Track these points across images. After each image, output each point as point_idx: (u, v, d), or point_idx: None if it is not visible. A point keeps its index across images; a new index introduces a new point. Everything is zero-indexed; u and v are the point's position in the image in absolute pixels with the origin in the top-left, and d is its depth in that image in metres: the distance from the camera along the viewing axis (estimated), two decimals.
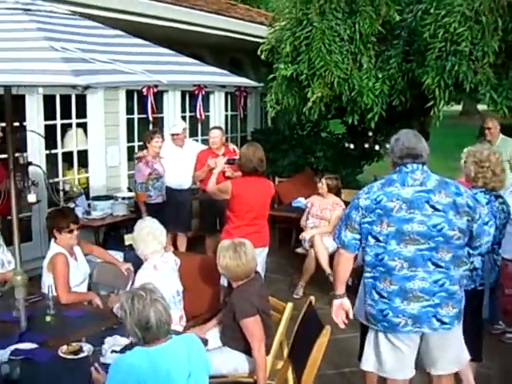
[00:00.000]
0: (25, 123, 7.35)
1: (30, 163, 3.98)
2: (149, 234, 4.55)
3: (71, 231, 4.95)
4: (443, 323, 3.65)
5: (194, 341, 3.27)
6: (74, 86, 2.58)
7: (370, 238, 3.67)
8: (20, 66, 2.69)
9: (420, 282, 3.60)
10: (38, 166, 4.30)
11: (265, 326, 4.13)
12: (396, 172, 3.72)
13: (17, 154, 3.97)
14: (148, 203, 7.48)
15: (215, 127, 8.46)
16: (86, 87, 2.54)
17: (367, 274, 3.76)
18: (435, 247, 3.59)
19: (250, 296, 4.12)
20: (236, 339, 4.19)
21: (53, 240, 5.03)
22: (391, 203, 3.59)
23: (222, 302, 4.55)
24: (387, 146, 10.31)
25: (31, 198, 3.98)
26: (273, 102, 7.85)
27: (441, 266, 3.61)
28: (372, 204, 3.63)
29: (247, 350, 4.14)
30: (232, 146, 8.28)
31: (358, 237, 3.71)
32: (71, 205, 7.75)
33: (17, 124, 4.10)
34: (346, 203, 7.81)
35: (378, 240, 3.65)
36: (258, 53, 7.95)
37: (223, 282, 4.92)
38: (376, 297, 3.70)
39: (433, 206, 3.57)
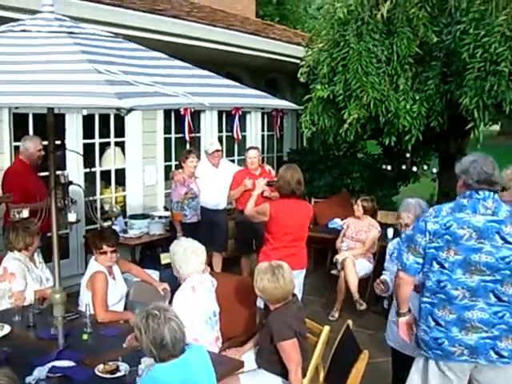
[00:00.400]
0: (64, 142, 7.47)
1: (70, 182, 4.02)
2: (192, 253, 4.56)
3: (104, 253, 4.98)
4: (501, 356, 3.51)
5: (204, 351, 3.41)
6: (118, 109, 2.59)
7: (434, 263, 3.55)
8: (65, 89, 2.73)
9: (479, 313, 3.49)
10: (79, 186, 4.34)
11: (302, 349, 4.09)
12: (466, 197, 3.57)
13: (58, 173, 4.01)
14: (183, 223, 7.49)
15: (252, 147, 8.49)
16: (130, 110, 2.55)
17: (425, 299, 3.63)
18: (501, 280, 3.46)
19: (287, 319, 4.09)
20: (272, 362, 4.16)
21: (93, 258, 5.08)
22: (461, 230, 3.46)
23: (259, 324, 4.52)
24: (425, 167, 10.32)
25: (71, 217, 4.02)
26: (308, 122, 7.83)
27: (503, 300, 3.48)
28: (441, 229, 3.50)
29: (283, 374, 4.10)
30: (268, 167, 8.29)
31: (420, 261, 3.58)
32: (109, 223, 7.83)
33: (58, 142, 4.13)
34: (382, 225, 7.79)
35: (442, 266, 3.53)
36: (298, 75, 7.94)
37: (259, 303, 4.90)
38: (432, 324, 3.58)
39: (503, 238, 3.45)
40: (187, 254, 4.55)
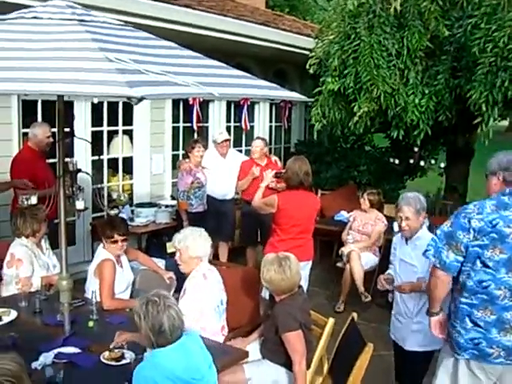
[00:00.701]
0: (73, 129, 7.48)
1: (79, 170, 4.03)
2: (201, 236, 4.60)
3: (115, 242, 5.00)
4: None
5: (198, 337, 3.46)
6: (128, 98, 2.60)
7: (477, 262, 3.43)
8: (76, 76, 2.73)
9: None
10: (87, 174, 4.35)
11: (306, 340, 4.10)
12: (506, 194, 3.48)
13: (66, 160, 4.02)
14: (189, 212, 7.50)
15: (258, 138, 8.50)
16: (141, 99, 2.55)
17: (463, 300, 3.53)
18: None
19: (293, 310, 4.10)
20: (277, 352, 4.18)
21: (101, 245, 5.10)
22: (508, 229, 3.37)
23: (263, 315, 4.54)
24: (432, 161, 10.28)
25: (79, 204, 4.03)
26: (319, 115, 7.81)
27: None
28: (486, 227, 3.38)
29: (287, 364, 4.12)
30: (274, 158, 8.29)
31: (461, 259, 3.46)
32: (116, 211, 7.86)
33: (67, 130, 4.13)
34: (388, 218, 7.78)
35: (486, 266, 3.42)
36: (307, 67, 7.92)
37: (264, 294, 4.92)
38: (469, 325, 3.50)
39: None
40: (197, 236, 4.58)
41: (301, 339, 4.05)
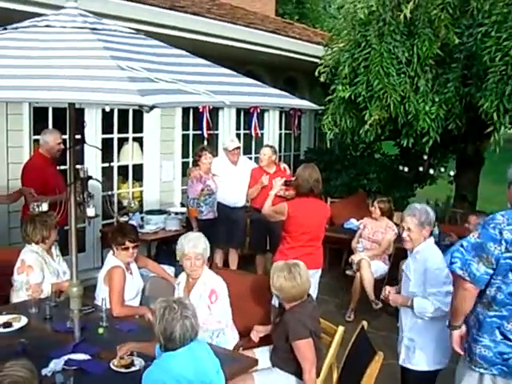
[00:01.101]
0: (84, 136, 7.50)
1: (90, 177, 4.04)
2: (200, 237, 4.73)
3: (126, 249, 5.00)
4: None
5: (206, 344, 3.51)
6: (140, 106, 2.61)
7: (509, 274, 3.31)
8: (88, 85, 2.75)
9: None
10: (97, 181, 4.37)
11: (316, 348, 4.10)
12: None
13: (77, 167, 4.04)
14: (199, 219, 7.51)
15: (267, 145, 8.51)
16: (152, 107, 2.56)
17: (492, 313, 3.41)
18: None
19: (303, 318, 4.09)
20: (287, 361, 4.17)
21: (111, 252, 5.11)
22: None
23: (273, 323, 4.53)
24: (441, 169, 10.26)
25: (90, 211, 4.04)
26: (330, 124, 7.81)
27: None
28: None
29: (297, 373, 4.11)
30: (283, 165, 8.28)
31: (491, 272, 3.33)
32: (126, 218, 7.88)
33: (78, 137, 4.16)
34: (398, 226, 7.75)
35: None
36: (316, 74, 7.93)
37: (274, 302, 4.91)
38: (498, 338, 3.39)
39: None
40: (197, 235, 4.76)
41: (311, 347, 4.05)
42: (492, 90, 6.56)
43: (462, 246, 3.42)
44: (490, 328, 3.42)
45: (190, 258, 4.65)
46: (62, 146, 6.65)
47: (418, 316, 4.22)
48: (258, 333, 4.60)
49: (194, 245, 4.68)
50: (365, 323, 4.34)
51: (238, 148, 8.21)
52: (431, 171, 10.41)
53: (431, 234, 4.51)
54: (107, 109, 7.89)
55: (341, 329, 4.31)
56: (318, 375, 4.13)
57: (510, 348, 3.37)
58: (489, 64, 6.50)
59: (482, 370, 3.46)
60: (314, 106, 4.22)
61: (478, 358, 3.46)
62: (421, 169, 10.28)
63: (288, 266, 4.21)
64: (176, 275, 5.58)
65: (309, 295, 4.31)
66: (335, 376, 4.38)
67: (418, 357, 4.25)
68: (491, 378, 3.45)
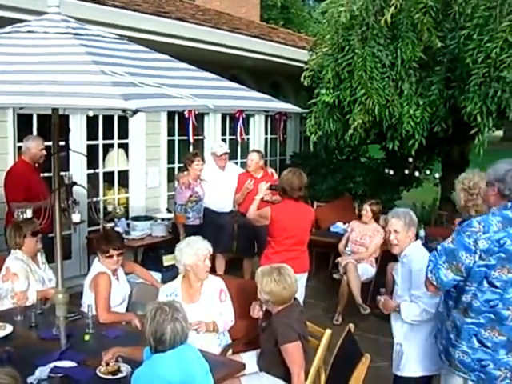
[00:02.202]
0: (68, 142, 7.48)
1: (74, 183, 4.03)
2: (200, 240, 4.73)
3: (111, 256, 4.98)
4: None
5: (194, 347, 3.48)
6: (124, 110, 2.60)
7: (484, 282, 3.29)
8: (71, 90, 2.74)
9: None
10: (82, 187, 4.35)
11: (304, 351, 4.10)
12: (508, 208, 3.33)
13: (62, 173, 4.02)
14: (186, 225, 7.50)
15: (254, 150, 8.50)
16: (136, 111, 2.56)
17: (468, 320, 3.40)
18: None
19: (291, 321, 4.10)
20: (274, 364, 4.17)
21: (97, 258, 5.09)
22: None
23: (260, 328, 4.52)
24: (427, 172, 10.31)
25: (75, 217, 4.03)
26: (314, 127, 7.83)
27: None
28: (493, 246, 3.23)
29: (285, 377, 4.11)
30: (270, 170, 8.29)
31: (458, 279, 3.34)
32: (112, 224, 7.86)
33: (62, 143, 4.14)
34: (384, 229, 7.78)
35: (493, 285, 3.28)
36: (302, 79, 7.95)
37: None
38: (476, 345, 3.38)
39: None
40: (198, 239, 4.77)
41: (300, 350, 4.05)
42: (475, 92, 6.61)
43: (436, 249, 3.45)
44: (468, 335, 3.42)
45: (206, 258, 4.67)
46: (45, 153, 6.62)
47: (406, 321, 4.16)
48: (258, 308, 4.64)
49: (204, 244, 4.71)
50: (352, 326, 4.34)
51: (227, 153, 8.21)
52: (417, 174, 10.44)
53: (417, 236, 4.51)
54: (90, 114, 7.85)
55: (328, 332, 4.31)
56: (306, 378, 4.13)
57: (488, 355, 3.37)
58: (471, 66, 6.55)
59: (461, 374, 3.48)
60: (298, 110, 4.24)
61: (458, 362, 3.48)
62: (406, 172, 10.31)
63: (276, 269, 4.21)
64: (163, 281, 5.56)
65: (295, 299, 4.31)
66: (323, 379, 4.38)
67: (405, 363, 4.20)
68: (471, 382, 3.46)
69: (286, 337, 4.04)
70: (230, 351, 4.64)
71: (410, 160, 9.86)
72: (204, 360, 3.38)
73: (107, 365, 3.75)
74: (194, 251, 4.63)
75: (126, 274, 5.28)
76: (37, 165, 6.77)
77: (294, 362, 4.03)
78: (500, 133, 26.77)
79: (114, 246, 4.97)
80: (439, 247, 3.43)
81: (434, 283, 3.40)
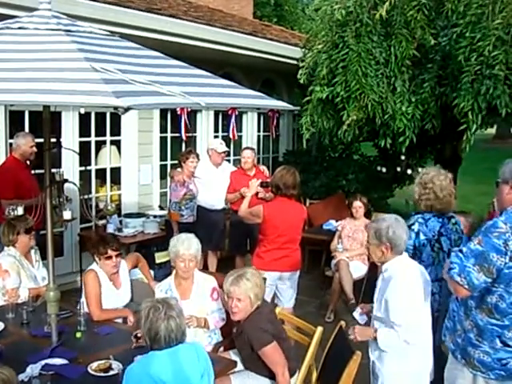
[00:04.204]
0: (60, 139, 7.46)
1: (66, 180, 4.01)
2: (192, 238, 4.74)
3: (109, 257, 4.89)
4: None
5: (199, 346, 3.47)
6: (115, 108, 2.60)
7: None
8: (62, 87, 2.73)
9: None
10: (74, 184, 4.34)
11: (283, 349, 4.08)
12: None
13: (53, 170, 4.01)
14: (180, 222, 7.50)
15: (247, 148, 8.48)
16: (127, 109, 2.55)
17: (493, 321, 3.37)
18: None
19: (262, 324, 4.06)
20: (259, 367, 4.14)
21: (94, 263, 5.02)
22: None
23: (233, 334, 4.43)
24: (419, 169, 10.33)
25: (67, 215, 4.01)
26: (308, 124, 7.83)
27: None
28: None
29: (272, 376, 4.10)
30: (262, 167, 8.29)
31: (489, 281, 3.28)
32: (104, 222, 7.84)
33: (53, 140, 4.12)
34: None
35: None
36: (298, 77, 7.94)
37: None
38: (498, 345, 3.37)
39: None
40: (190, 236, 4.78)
41: (278, 350, 4.03)
42: (467, 89, 6.61)
43: (461, 251, 3.35)
44: (491, 336, 3.39)
45: (185, 259, 4.64)
46: (35, 150, 6.61)
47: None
48: None
49: (188, 246, 4.68)
50: (343, 323, 4.35)
51: (226, 152, 8.24)
52: (409, 171, 10.45)
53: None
54: (82, 111, 7.84)
55: (319, 329, 4.32)
56: (291, 375, 4.12)
57: (509, 353, 3.37)
58: (463, 64, 6.55)
59: (479, 374, 3.46)
60: (290, 107, 4.23)
61: (477, 362, 3.46)
62: (399, 169, 10.32)
63: (244, 272, 4.23)
64: (155, 278, 5.54)
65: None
66: (314, 376, 4.38)
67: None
68: (485, 380, 3.45)
69: (260, 341, 4.01)
70: (222, 348, 4.64)
71: (403, 158, 9.87)
72: (205, 361, 3.35)
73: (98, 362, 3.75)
74: (174, 249, 4.69)
75: (130, 270, 5.23)
76: (28, 162, 6.76)
77: (275, 363, 4.01)
78: (493, 131, 26.85)
79: (111, 246, 4.89)
80: (464, 249, 3.34)
81: (466, 287, 3.28)
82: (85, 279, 4.89)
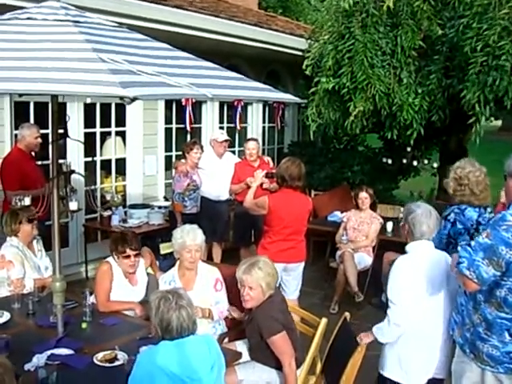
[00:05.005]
0: (66, 130, 7.46)
1: (73, 171, 4.02)
2: (197, 229, 4.78)
3: (128, 257, 4.86)
4: None
5: (211, 338, 3.45)
6: (121, 98, 2.60)
7: None
8: (69, 76, 2.72)
9: None
10: (80, 174, 4.35)
11: (291, 340, 4.10)
12: None
13: (60, 161, 4.02)
14: (183, 213, 7.50)
15: (252, 139, 8.47)
16: (134, 99, 2.55)
17: (502, 315, 3.36)
18: None
19: (273, 313, 4.08)
20: (266, 357, 4.16)
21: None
22: None
23: (244, 322, 4.48)
24: (425, 161, 10.32)
25: (73, 205, 4.01)
26: (314, 115, 7.82)
27: None
28: None
29: (278, 366, 4.11)
30: (267, 158, 8.28)
31: (498, 274, 3.25)
32: (109, 213, 7.85)
33: (61, 131, 4.12)
34: (382, 218, 7.80)
35: None
36: (303, 68, 7.92)
37: None
38: (507, 339, 3.36)
39: None
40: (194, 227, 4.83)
41: (286, 340, 4.05)
42: (473, 80, 6.59)
43: (469, 245, 3.33)
44: (500, 329, 3.38)
45: (191, 250, 4.67)
46: (40, 141, 6.62)
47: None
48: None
49: (193, 237, 4.71)
50: (347, 315, 4.35)
51: (227, 141, 8.22)
52: (415, 163, 10.44)
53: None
54: (88, 100, 7.84)
55: (324, 321, 4.33)
56: (298, 366, 4.13)
57: None
58: (470, 55, 6.53)
59: (487, 368, 3.45)
60: (297, 100, 4.22)
61: (485, 356, 3.45)
62: (404, 161, 10.31)
63: (257, 261, 4.25)
64: (160, 269, 5.55)
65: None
66: (319, 367, 4.40)
67: (385, 361, 4.09)
68: (494, 374, 3.45)
69: (270, 330, 4.02)
70: (226, 339, 4.65)
71: (408, 149, 9.86)
72: (217, 354, 3.32)
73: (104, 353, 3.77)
74: (181, 240, 4.70)
75: (147, 268, 5.22)
76: (33, 153, 6.76)
77: (283, 353, 4.03)
78: (498, 122, 26.77)
79: (130, 245, 4.85)
80: (473, 242, 3.31)
81: (476, 281, 3.25)
82: (98, 270, 4.93)
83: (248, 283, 4.13)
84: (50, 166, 3.99)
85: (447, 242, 4.51)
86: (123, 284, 4.92)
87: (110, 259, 4.95)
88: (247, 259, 4.37)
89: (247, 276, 4.14)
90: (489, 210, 4.58)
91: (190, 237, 4.69)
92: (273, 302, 4.18)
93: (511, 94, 6.48)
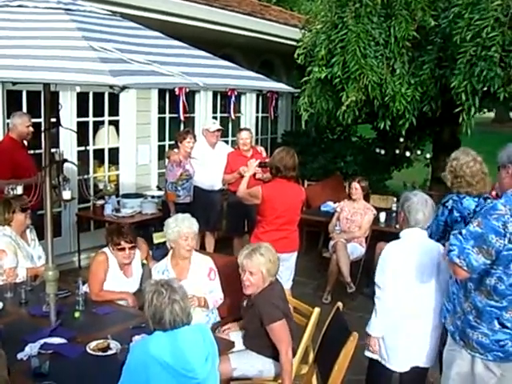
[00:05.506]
0: (59, 119, 7.43)
1: (65, 160, 4.01)
2: (191, 218, 4.80)
3: (122, 249, 4.86)
4: None
5: (206, 328, 3.44)
6: (111, 86, 2.59)
7: (511, 265, 3.28)
8: (59, 65, 2.71)
9: None
10: (73, 163, 4.34)
11: (290, 329, 4.12)
12: None
13: (52, 150, 4.01)
14: (176, 203, 7.50)
15: (245, 128, 8.47)
16: (123, 88, 2.54)
17: (492, 303, 3.38)
18: None
19: (274, 300, 4.11)
20: (261, 345, 4.18)
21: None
22: None
23: (242, 309, 4.50)
24: (418, 152, 10.32)
25: (66, 194, 4.01)
26: (306, 105, 7.81)
27: None
28: None
29: (273, 355, 4.14)
30: (260, 148, 8.28)
31: (488, 262, 3.27)
32: (102, 202, 7.84)
33: (53, 120, 4.11)
34: (375, 209, 7.81)
35: None
36: (295, 56, 7.91)
37: None
38: (497, 327, 3.38)
39: None
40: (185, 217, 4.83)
41: (286, 328, 4.07)
42: (461, 70, 6.58)
43: (460, 233, 3.34)
44: (489, 317, 3.41)
45: (188, 237, 4.69)
46: (32, 130, 6.60)
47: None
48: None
49: (189, 224, 4.74)
50: (340, 304, 4.36)
51: (219, 130, 8.21)
52: (408, 154, 10.44)
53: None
54: (78, 89, 7.81)
55: (316, 310, 4.34)
56: (293, 355, 4.15)
57: (507, 335, 3.38)
58: (460, 44, 6.52)
59: (477, 355, 3.48)
60: (290, 89, 4.22)
61: (475, 343, 3.47)
62: (397, 152, 10.31)
63: (258, 246, 4.29)
64: (154, 258, 5.55)
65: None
66: (311, 357, 4.42)
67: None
68: (482, 361, 3.47)
69: (271, 316, 4.04)
70: (220, 328, 4.66)
71: (401, 140, 9.86)
72: (211, 344, 3.32)
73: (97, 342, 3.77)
74: (176, 228, 4.70)
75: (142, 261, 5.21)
76: (26, 142, 6.74)
77: (281, 340, 4.04)
78: (491, 114, 26.83)
79: (125, 238, 4.85)
80: (464, 231, 3.32)
81: (466, 269, 3.26)
82: (93, 259, 4.94)
83: (248, 268, 4.17)
84: (43, 155, 3.98)
85: (444, 230, 4.57)
86: (118, 276, 4.92)
87: (106, 250, 4.95)
88: (249, 245, 4.41)
89: (248, 261, 4.18)
90: (488, 201, 4.52)
91: (185, 224, 4.71)
92: (273, 289, 4.21)
93: (497, 84, 6.47)
